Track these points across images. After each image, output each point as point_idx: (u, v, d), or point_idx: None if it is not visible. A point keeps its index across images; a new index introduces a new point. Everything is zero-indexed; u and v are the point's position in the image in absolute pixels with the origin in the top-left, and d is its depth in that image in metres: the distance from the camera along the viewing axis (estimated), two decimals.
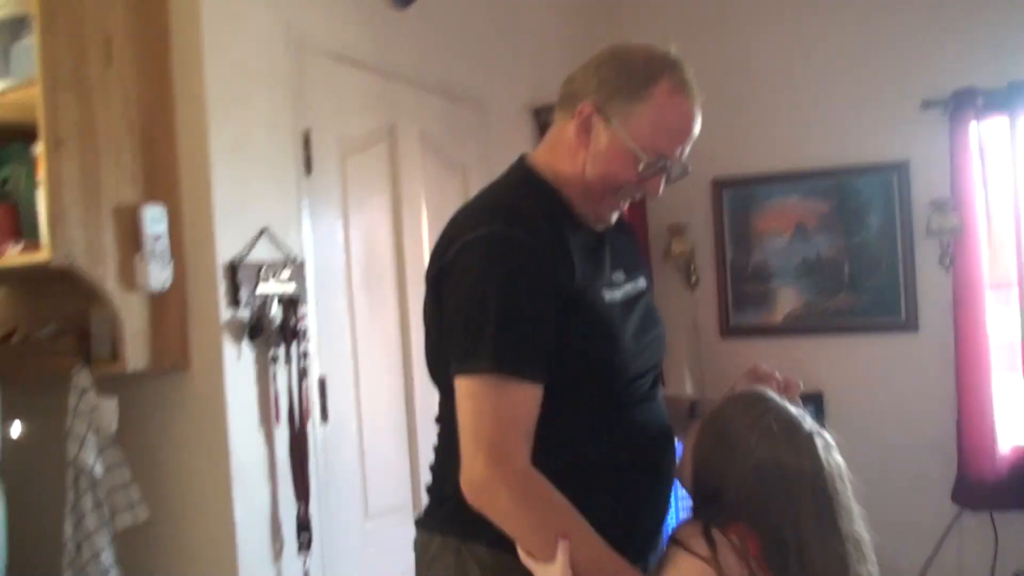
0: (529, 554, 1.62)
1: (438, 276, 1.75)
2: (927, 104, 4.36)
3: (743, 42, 4.72)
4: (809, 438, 1.68)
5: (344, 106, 3.04)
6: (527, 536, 1.63)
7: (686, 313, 4.79)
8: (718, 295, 4.78)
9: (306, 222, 2.86)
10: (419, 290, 3.16)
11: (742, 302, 4.74)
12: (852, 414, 4.30)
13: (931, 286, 4.36)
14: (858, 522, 1.67)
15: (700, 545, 1.60)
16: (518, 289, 1.65)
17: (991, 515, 4.16)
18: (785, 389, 1.85)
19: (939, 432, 4.28)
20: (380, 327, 3.15)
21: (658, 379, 1.93)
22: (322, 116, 2.92)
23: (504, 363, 1.61)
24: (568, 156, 1.80)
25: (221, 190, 2.57)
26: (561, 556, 1.58)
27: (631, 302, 1.87)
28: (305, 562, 2.76)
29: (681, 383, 4.77)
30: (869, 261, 4.50)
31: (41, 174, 2.28)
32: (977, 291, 4.24)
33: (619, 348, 1.77)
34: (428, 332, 1.84)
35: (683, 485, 1.81)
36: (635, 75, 1.76)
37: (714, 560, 1.57)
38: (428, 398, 3.22)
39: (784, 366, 4.41)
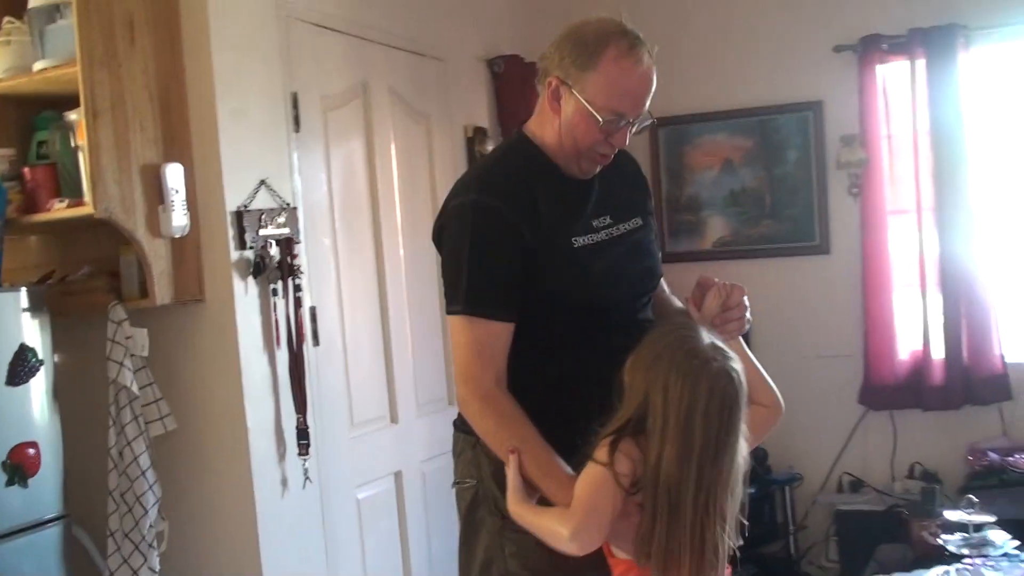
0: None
1: (435, 233, 2.14)
2: (839, 48, 4.84)
3: None
4: (704, 367, 1.77)
5: (325, 68, 3.43)
6: (490, 440, 2.00)
7: None
8: (656, 224, 5.23)
9: (296, 173, 3.27)
10: (393, 227, 3.62)
11: (677, 231, 5.22)
12: (774, 330, 4.79)
13: (841, 213, 4.87)
14: (740, 449, 1.80)
15: (602, 454, 1.80)
16: (485, 246, 2.00)
17: (891, 414, 4.73)
18: (731, 292, 2.10)
19: (848, 343, 4.83)
20: (359, 261, 3.58)
21: (643, 306, 2.18)
22: (307, 79, 3.32)
23: (473, 306, 1.98)
24: (548, 123, 2.10)
25: (227, 149, 2.99)
26: (511, 464, 1.93)
27: (612, 242, 2.12)
28: (304, 463, 3.21)
29: None
30: (788, 192, 4.99)
31: (82, 140, 2.68)
32: (881, 217, 4.77)
33: (585, 284, 2.06)
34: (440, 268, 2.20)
35: None
36: (586, 47, 2.03)
37: (611, 466, 1.78)
38: (401, 323, 3.69)
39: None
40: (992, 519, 3.83)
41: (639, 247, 2.20)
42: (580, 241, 2.08)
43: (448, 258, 2.08)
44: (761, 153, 5.03)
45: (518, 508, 1.92)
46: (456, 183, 2.19)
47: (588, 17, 2.12)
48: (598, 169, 2.14)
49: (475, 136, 4.19)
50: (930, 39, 4.62)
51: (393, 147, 3.74)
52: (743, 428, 1.81)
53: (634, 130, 2.10)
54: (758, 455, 4.22)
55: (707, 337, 1.83)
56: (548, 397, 2.03)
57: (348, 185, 3.54)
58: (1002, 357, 4.65)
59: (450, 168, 4.03)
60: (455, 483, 2.20)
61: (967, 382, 4.66)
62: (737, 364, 1.81)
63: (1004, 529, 3.80)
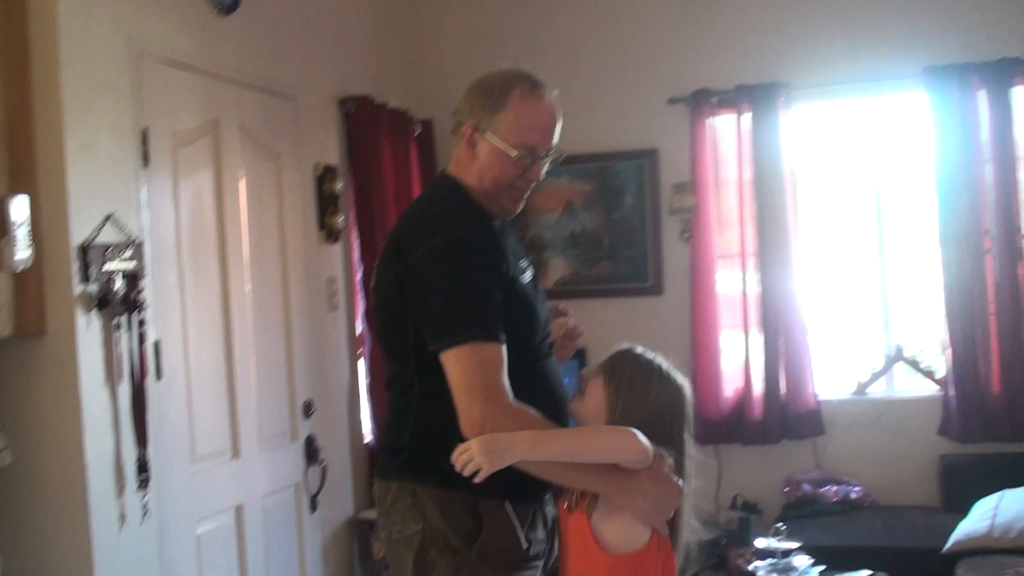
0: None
1: (402, 273, 2.15)
2: (672, 100, 5.14)
3: (529, 37, 5.34)
4: (677, 378, 2.23)
5: (176, 105, 3.46)
6: (540, 447, 2.02)
7: None
8: None
9: (144, 208, 3.28)
10: (240, 263, 3.65)
11: None
12: None
13: (673, 256, 5.16)
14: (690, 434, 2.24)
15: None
16: (479, 276, 2.10)
17: (716, 448, 5.00)
18: (573, 331, 2.48)
19: None
20: (206, 296, 3.60)
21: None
22: (158, 115, 3.35)
23: (482, 330, 2.06)
24: (467, 169, 2.26)
25: (74, 182, 2.99)
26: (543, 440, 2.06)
27: (533, 282, 2.31)
28: (144, 497, 3.20)
29: None
30: (625, 235, 5.25)
31: None
32: (709, 261, 5.07)
33: (537, 316, 2.25)
34: (383, 313, 2.26)
35: (583, 420, 2.26)
36: (493, 91, 2.22)
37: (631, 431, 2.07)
38: (246, 358, 3.72)
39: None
40: (797, 545, 4.13)
41: (541, 289, 2.40)
42: (524, 278, 2.26)
43: (441, 294, 2.11)
44: (600, 197, 5.27)
45: (543, 446, 2.01)
46: (412, 224, 2.24)
47: (491, 70, 2.32)
48: (520, 207, 2.31)
49: (325, 174, 4.27)
50: (755, 95, 4.97)
51: (242, 184, 3.78)
52: None
53: (547, 165, 2.29)
54: None
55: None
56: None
57: (196, 221, 3.56)
58: (815, 395, 5.00)
59: (299, 205, 4.10)
60: (395, 534, 2.20)
61: (784, 417, 4.98)
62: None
63: (812, 554, 4.09)
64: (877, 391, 5.14)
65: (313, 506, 4.06)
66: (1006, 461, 4.71)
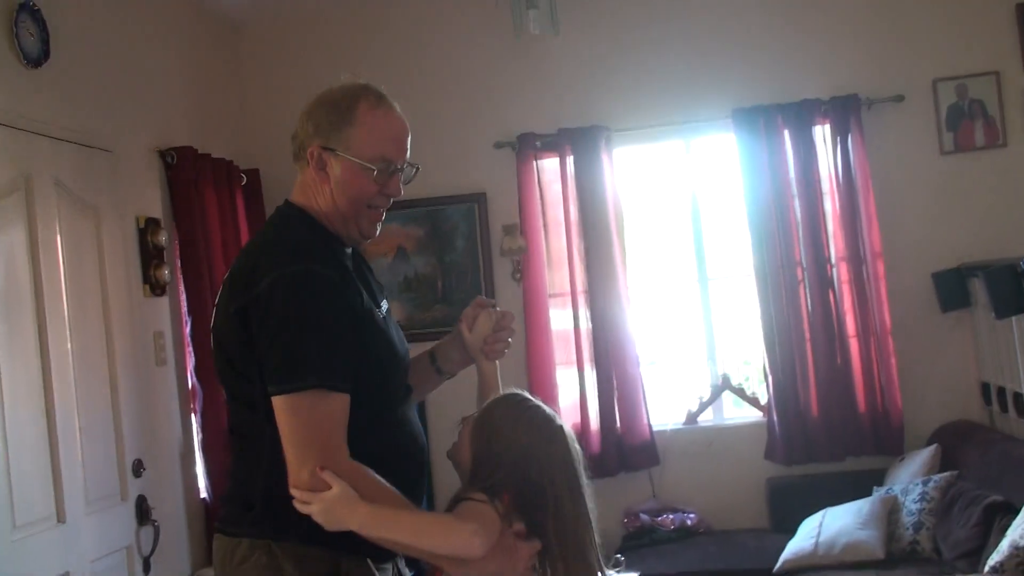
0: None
1: (246, 307, 1.93)
2: (499, 144, 5.26)
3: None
4: (560, 429, 2.00)
5: None
6: (372, 520, 1.86)
7: None
8: None
9: None
10: (60, 321, 3.54)
11: None
12: (447, 409, 5.02)
13: (507, 296, 5.24)
14: (590, 497, 2.01)
15: (479, 495, 1.92)
16: (328, 317, 1.91)
17: None
18: (503, 317, 2.26)
19: None
20: (22, 356, 3.46)
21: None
22: None
23: (324, 378, 1.86)
24: (318, 193, 2.08)
25: None
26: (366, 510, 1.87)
27: (387, 317, 2.15)
28: None
29: None
30: (458, 277, 5.31)
31: None
32: (541, 300, 5.18)
33: (395, 353, 2.09)
34: (224, 353, 2.03)
35: (458, 465, 2.08)
36: (338, 107, 2.06)
37: (490, 503, 1.89)
38: (69, 418, 3.59)
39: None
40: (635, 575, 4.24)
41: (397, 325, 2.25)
42: (380, 312, 2.10)
43: (283, 332, 1.90)
44: (432, 241, 5.33)
45: (375, 522, 1.86)
46: (256, 255, 2.03)
47: (329, 86, 2.16)
48: (377, 231, 2.14)
49: (147, 227, 4.18)
50: (577, 138, 5.14)
51: (59, 239, 3.66)
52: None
53: (403, 179, 2.13)
54: None
55: (536, 402, 2.06)
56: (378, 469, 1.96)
57: (9, 279, 3.43)
58: (650, 425, 5.15)
59: (121, 259, 4.00)
60: None
61: (621, 450, 5.11)
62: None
63: None
64: (706, 420, 5.33)
65: (146, 568, 3.94)
66: (827, 480, 4.95)
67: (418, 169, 2.17)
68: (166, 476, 4.18)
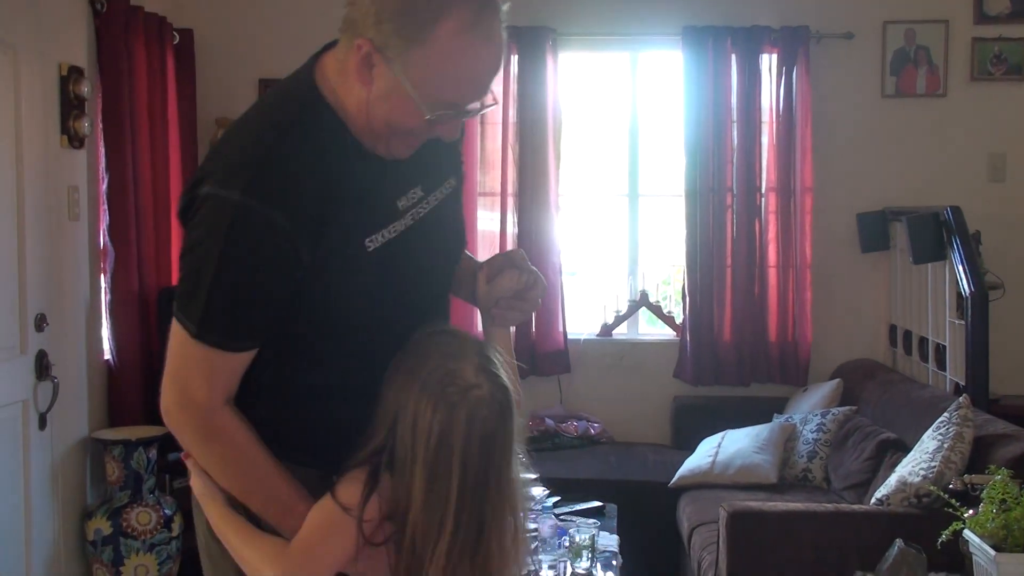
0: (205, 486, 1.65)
1: (183, 208, 1.59)
2: None
3: None
4: (463, 391, 1.50)
5: None
6: (213, 471, 1.65)
7: None
8: None
9: None
10: None
11: None
12: None
13: None
14: (511, 480, 1.54)
15: (348, 492, 1.51)
16: (242, 267, 1.52)
17: None
18: (534, 283, 1.75)
19: None
20: None
21: (441, 305, 1.79)
22: None
23: (207, 335, 1.55)
24: (351, 90, 1.57)
25: None
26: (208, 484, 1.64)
27: (418, 227, 1.67)
28: None
29: None
30: None
31: None
32: (470, 198, 5.10)
33: (377, 297, 1.63)
34: None
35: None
36: (415, 12, 1.47)
37: (352, 510, 1.49)
38: None
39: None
40: (534, 476, 4.26)
41: (449, 219, 1.76)
42: (377, 240, 1.61)
43: (188, 258, 1.56)
44: None
45: (221, 523, 1.62)
46: (213, 153, 1.65)
47: None
48: (409, 154, 1.64)
49: (70, 75, 4.00)
50: (524, 37, 5.04)
51: None
52: (515, 453, 1.56)
53: (467, 118, 1.61)
54: None
55: (474, 352, 1.55)
56: (299, 409, 1.67)
57: None
58: (564, 334, 5.18)
59: (38, 106, 3.83)
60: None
61: (533, 355, 5.14)
62: (506, 379, 1.53)
63: (548, 486, 4.24)
64: (621, 333, 5.38)
65: (42, 423, 3.86)
66: (731, 404, 5.06)
67: (495, 103, 1.64)
68: (69, 333, 4.08)
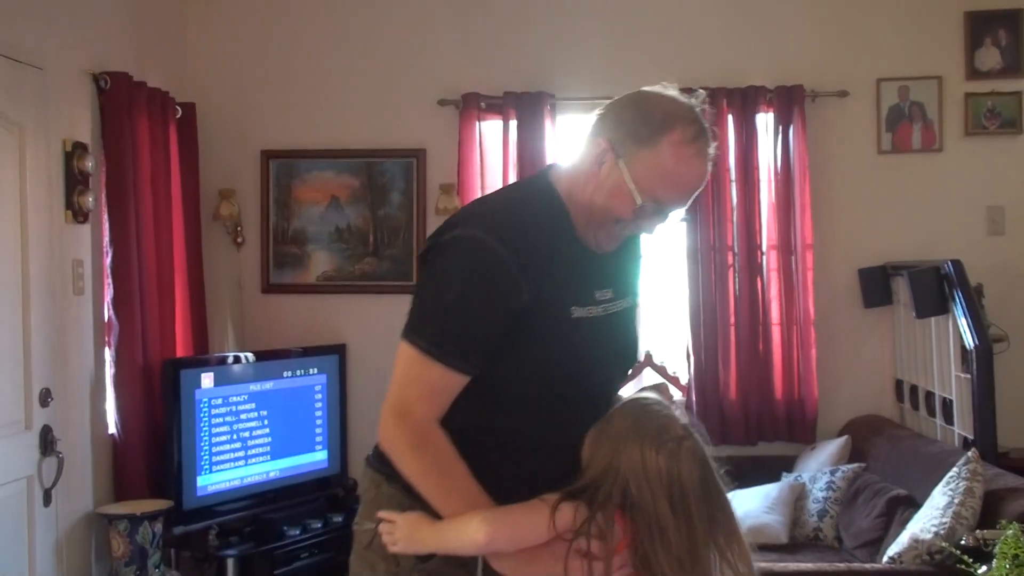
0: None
1: (425, 252, 1.93)
2: (443, 102, 5.20)
3: (301, 28, 5.30)
4: (678, 440, 1.78)
5: None
6: (419, 481, 1.85)
7: (232, 270, 5.29)
8: (261, 255, 5.32)
9: None
10: None
11: (282, 262, 5.32)
12: (369, 362, 5.04)
13: None
14: (722, 521, 1.78)
15: (549, 497, 1.76)
16: (474, 291, 1.84)
17: None
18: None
19: None
20: None
21: (617, 387, 2.09)
22: None
23: (436, 348, 1.83)
24: (583, 181, 1.93)
25: None
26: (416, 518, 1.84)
27: (609, 319, 1.99)
28: None
29: (225, 334, 5.26)
30: (391, 232, 5.26)
31: None
32: None
33: (571, 358, 1.92)
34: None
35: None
36: (650, 121, 1.87)
37: (553, 506, 1.74)
38: None
39: (317, 320, 5.16)
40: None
41: (630, 327, 2.10)
42: (578, 312, 1.94)
43: (428, 287, 1.91)
44: (367, 193, 5.26)
45: (432, 534, 1.82)
46: (465, 209, 2.04)
47: (660, 90, 1.95)
48: (612, 247, 2.01)
49: (75, 151, 4.05)
50: (522, 102, 5.10)
51: None
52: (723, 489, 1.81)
53: (663, 222, 1.96)
54: None
55: (678, 414, 1.84)
56: (492, 456, 1.91)
57: None
58: None
59: (43, 182, 3.87)
60: (355, 523, 2.04)
61: None
62: (703, 441, 1.81)
63: None
64: (626, 395, 5.34)
65: (47, 499, 3.84)
66: (740, 463, 5.01)
67: (687, 218, 2.00)
68: (74, 408, 4.08)
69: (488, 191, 5.13)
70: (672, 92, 1.94)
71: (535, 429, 1.93)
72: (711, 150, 1.91)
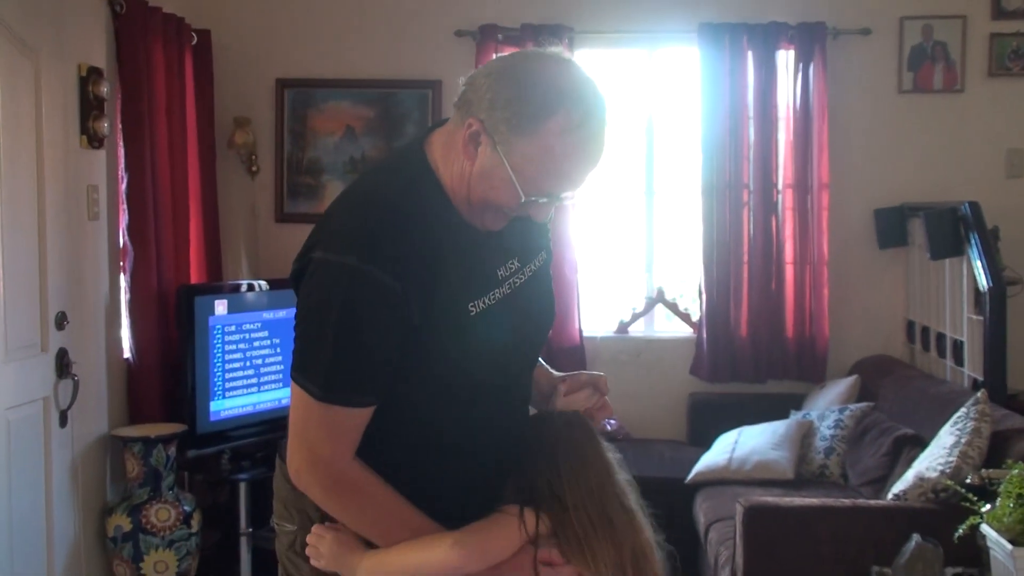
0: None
1: (296, 273, 1.72)
2: (460, 33, 5.15)
3: None
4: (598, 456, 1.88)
5: None
6: (353, 524, 1.73)
7: (246, 199, 5.30)
8: (275, 184, 5.32)
9: None
10: None
11: (296, 192, 5.32)
12: None
13: None
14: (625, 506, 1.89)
15: (511, 507, 1.74)
16: (356, 325, 1.62)
17: None
18: (599, 411, 1.96)
19: None
20: None
21: (528, 375, 1.93)
22: None
23: (329, 392, 1.64)
24: (455, 161, 1.69)
25: None
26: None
27: (515, 295, 1.80)
28: None
29: (239, 261, 5.29)
30: None
31: None
32: None
33: (476, 358, 1.73)
34: None
35: None
36: (528, 104, 1.60)
37: (519, 515, 1.72)
38: None
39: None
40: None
41: (543, 287, 1.90)
42: (479, 306, 1.73)
43: (308, 323, 1.68)
44: (382, 124, 5.25)
45: (375, 563, 1.73)
46: (331, 221, 1.71)
47: (544, 54, 1.69)
48: (501, 227, 1.75)
49: (90, 76, 4.04)
50: (540, 35, 5.04)
51: None
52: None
53: (551, 206, 1.72)
54: None
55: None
56: (417, 468, 1.76)
57: None
58: (580, 331, 5.18)
59: (59, 107, 3.85)
60: (274, 520, 1.93)
61: (549, 353, 5.13)
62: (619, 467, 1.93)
63: None
64: (637, 330, 5.38)
65: (63, 421, 3.90)
66: (748, 400, 5.06)
67: (575, 199, 1.83)
68: (89, 332, 4.12)
69: None
70: (556, 61, 1.67)
71: (455, 434, 1.78)
72: (603, 127, 1.66)
